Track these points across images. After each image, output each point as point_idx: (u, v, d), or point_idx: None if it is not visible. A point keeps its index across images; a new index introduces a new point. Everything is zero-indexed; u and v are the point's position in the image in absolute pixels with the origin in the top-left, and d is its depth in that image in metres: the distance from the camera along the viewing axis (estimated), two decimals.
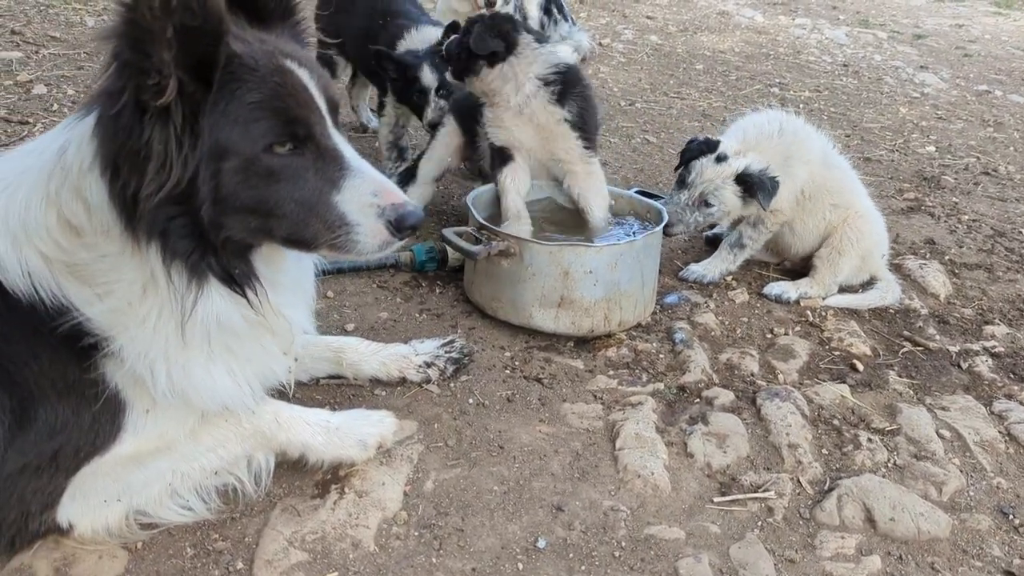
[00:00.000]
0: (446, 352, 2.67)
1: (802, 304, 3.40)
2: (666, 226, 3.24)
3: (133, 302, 1.73)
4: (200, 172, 1.58)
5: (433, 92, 3.77)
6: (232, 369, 1.91)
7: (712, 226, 3.90)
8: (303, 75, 1.70)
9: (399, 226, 1.79)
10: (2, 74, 5.05)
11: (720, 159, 3.28)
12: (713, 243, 3.77)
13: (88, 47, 5.77)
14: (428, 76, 3.74)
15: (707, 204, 3.31)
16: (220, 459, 1.98)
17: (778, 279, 3.58)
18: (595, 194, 3.25)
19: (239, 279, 1.75)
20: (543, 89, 3.11)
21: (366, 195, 1.77)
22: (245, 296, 1.78)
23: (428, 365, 2.62)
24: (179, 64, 1.48)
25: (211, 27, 1.50)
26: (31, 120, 4.37)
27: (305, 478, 2.16)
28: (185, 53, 1.48)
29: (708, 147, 3.30)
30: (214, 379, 1.87)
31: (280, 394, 2.21)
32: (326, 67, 4.40)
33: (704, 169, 3.29)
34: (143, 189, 1.54)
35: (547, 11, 7.07)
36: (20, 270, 1.68)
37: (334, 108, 1.78)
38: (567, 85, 3.13)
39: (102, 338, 1.74)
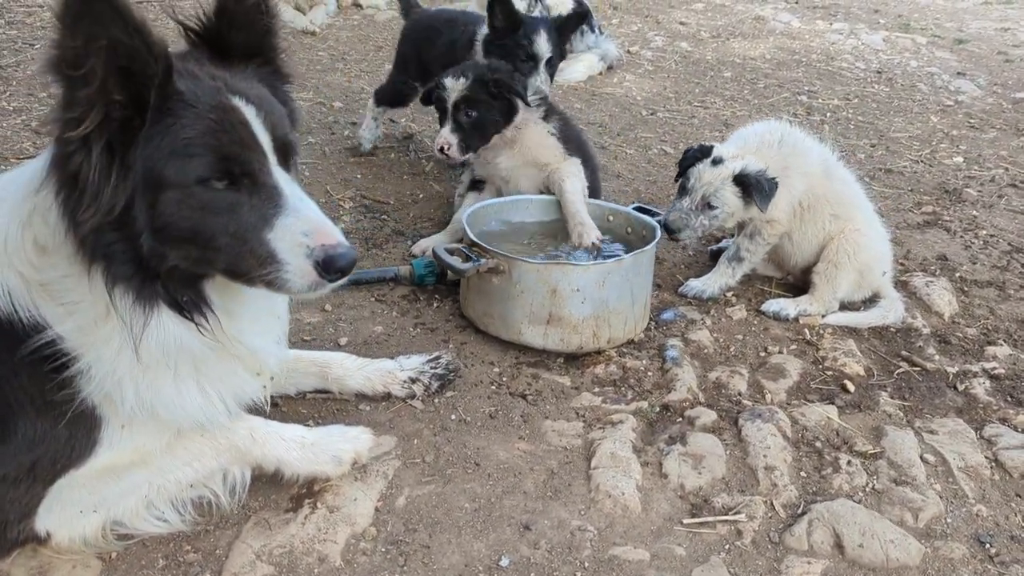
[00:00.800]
0: (431, 368, 2.72)
1: (801, 321, 3.39)
2: (672, 232, 3.36)
3: (98, 320, 1.82)
4: (135, 202, 1.67)
5: (544, 63, 3.88)
6: (203, 386, 1.99)
7: (719, 239, 3.91)
8: (248, 112, 1.77)
9: (327, 267, 1.80)
10: (38, 85, 5.25)
11: (716, 162, 3.31)
12: (717, 257, 3.77)
13: None
14: (543, 44, 3.84)
15: (710, 207, 3.33)
16: (195, 472, 2.06)
17: (780, 295, 3.58)
18: (571, 176, 3.53)
19: (186, 307, 1.83)
20: (532, 112, 3.56)
21: (296, 234, 1.79)
22: (195, 323, 1.85)
23: (413, 381, 2.68)
24: (104, 99, 1.56)
25: (143, 67, 1.59)
26: None
27: (281, 492, 2.24)
28: (113, 89, 1.57)
29: (703, 152, 3.35)
30: (184, 396, 1.95)
31: (264, 409, 2.29)
32: (401, 95, 4.55)
33: (702, 173, 3.31)
34: (79, 215, 1.64)
35: None
36: (0, 290, 1.78)
37: (282, 146, 1.84)
38: (549, 107, 3.67)
39: (73, 356, 1.82)
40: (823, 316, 3.42)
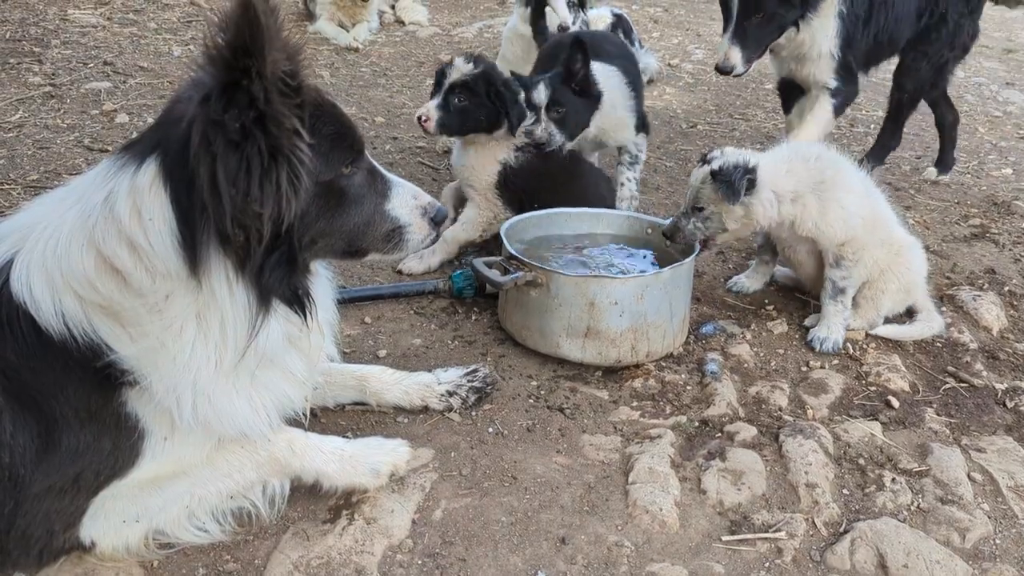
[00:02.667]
0: (469, 381, 2.73)
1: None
2: (666, 237, 3.32)
3: (167, 342, 1.86)
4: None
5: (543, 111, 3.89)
6: (251, 397, 2.03)
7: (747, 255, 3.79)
8: (337, 103, 1.96)
9: (437, 219, 2.17)
10: (91, 103, 5.42)
11: (704, 161, 3.21)
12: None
13: (172, 76, 6.11)
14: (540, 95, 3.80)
15: (698, 208, 3.22)
16: (235, 484, 2.09)
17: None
18: (465, 222, 3.80)
19: (303, 298, 1.96)
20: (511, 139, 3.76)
21: (409, 199, 2.13)
22: (305, 314, 1.98)
23: (450, 394, 2.69)
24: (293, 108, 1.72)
25: (299, 68, 1.74)
26: (110, 148, 4.66)
27: (319, 503, 2.26)
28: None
29: (703, 158, 3.27)
30: (236, 409, 2.00)
31: (303, 421, 2.32)
32: None
33: (695, 175, 3.25)
34: (256, 233, 1.73)
35: None
36: (54, 310, 1.81)
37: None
38: (541, 149, 3.76)
39: (129, 373, 1.87)
40: (867, 331, 3.36)
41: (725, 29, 4.13)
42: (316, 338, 2.11)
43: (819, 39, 4.20)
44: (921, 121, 6.78)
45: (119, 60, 6.35)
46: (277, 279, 1.86)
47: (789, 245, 3.40)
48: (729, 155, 3.17)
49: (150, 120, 5.19)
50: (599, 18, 7.09)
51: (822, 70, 4.30)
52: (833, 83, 4.36)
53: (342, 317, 3.04)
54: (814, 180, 3.18)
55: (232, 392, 1.97)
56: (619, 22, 7.28)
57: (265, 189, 1.69)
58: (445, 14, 9.70)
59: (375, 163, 2.11)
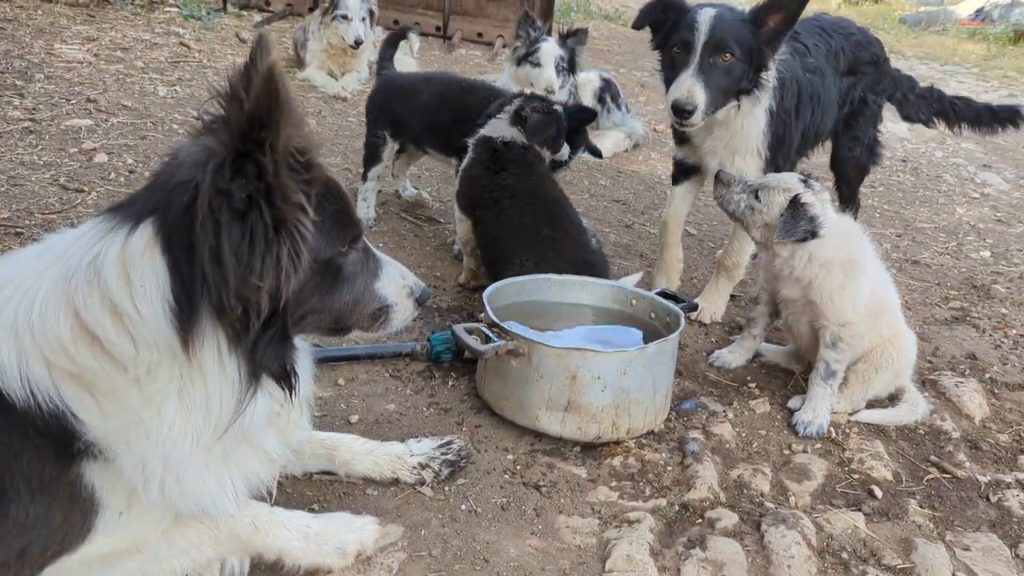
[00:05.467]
0: (442, 454, 2.64)
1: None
2: (720, 179, 3.42)
3: (144, 417, 1.76)
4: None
5: None
6: (221, 475, 1.92)
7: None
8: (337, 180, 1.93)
9: (421, 300, 2.17)
10: (70, 140, 5.31)
11: (805, 181, 3.25)
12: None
13: (155, 116, 6.04)
14: None
15: (756, 197, 3.27)
16: (192, 562, 1.97)
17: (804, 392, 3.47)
18: None
19: (291, 374, 1.89)
20: None
21: (398, 278, 2.13)
22: (292, 391, 1.91)
23: (423, 467, 2.59)
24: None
25: (311, 145, 1.73)
26: (86, 188, 4.57)
27: None
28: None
29: (805, 177, 3.30)
30: (204, 486, 1.89)
31: (269, 494, 2.21)
32: (374, 148, 4.69)
33: (787, 180, 3.27)
34: (254, 307, 1.67)
35: (601, 100, 7.19)
36: (19, 375, 1.69)
37: None
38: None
39: (94, 446, 1.76)
40: (850, 414, 3.31)
41: (683, 69, 3.50)
42: (295, 414, 2.02)
43: (750, 131, 3.75)
44: (902, 198, 6.86)
45: (103, 97, 6.26)
46: (271, 355, 1.79)
47: (793, 312, 3.38)
48: (817, 201, 3.20)
49: (129, 160, 5.11)
50: (587, 81, 7.16)
51: (749, 167, 3.78)
52: None
53: (315, 378, 2.95)
54: (847, 256, 3.19)
55: (203, 470, 1.86)
56: (607, 86, 7.35)
57: (266, 262, 1.63)
58: (435, 68, 9.75)
59: (368, 243, 2.09)
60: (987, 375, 3.82)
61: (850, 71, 4.36)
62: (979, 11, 20.00)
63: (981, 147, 9.04)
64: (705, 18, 3.46)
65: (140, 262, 1.66)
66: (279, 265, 1.65)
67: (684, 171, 4.15)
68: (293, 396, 1.91)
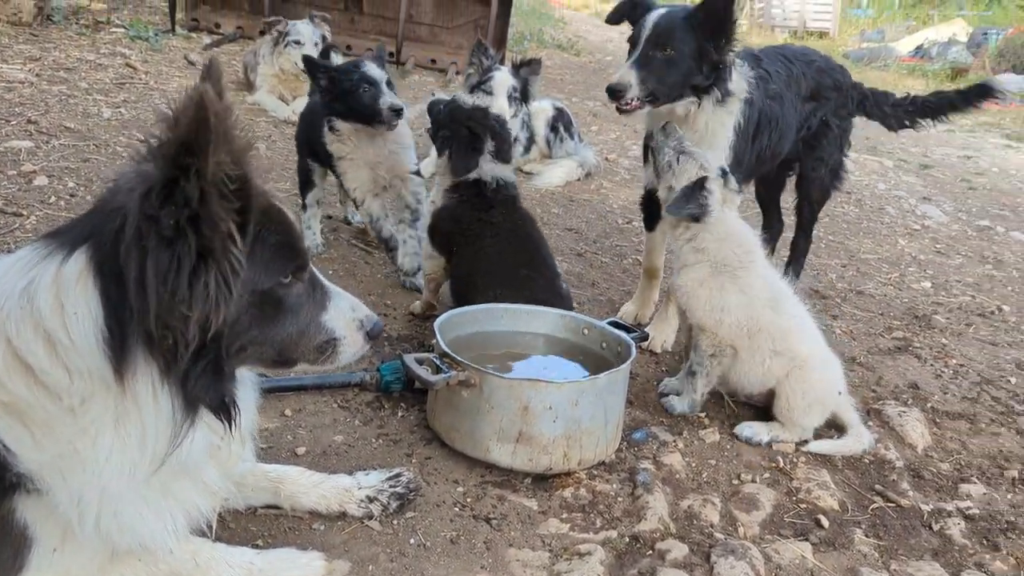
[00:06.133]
0: (391, 487, 2.59)
1: (774, 447, 3.31)
2: (662, 132, 3.52)
3: (79, 448, 1.70)
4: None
5: None
6: (159, 509, 1.88)
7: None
8: (286, 210, 1.89)
9: (372, 334, 2.09)
10: (8, 163, 5.17)
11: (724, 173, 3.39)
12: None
13: (99, 139, 5.92)
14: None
15: (679, 161, 3.40)
16: None
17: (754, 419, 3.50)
18: None
19: (230, 407, 1.83)
20: None
21: (347, 311, 2.06)
22: (231, 424, 1.85)
23: (371, 500, 2.54)
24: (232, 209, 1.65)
25: (247, 172, 1.67)
26: (25, 212, 4.45)
27: None
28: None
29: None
30: (142, 521, 1.84)
31: (210, 528, 2.14)
32: (305, 174, 4.65)
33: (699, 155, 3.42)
34: (182, 337, 1.61)
35: (554, 128, 7.25)
36: None
37: None
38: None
39: (27, 479, 1.70)
40: (796, 443, 3.34)
41: (627, 60, 3.76)
42: (236, 447, 1.97)
43: (715, 137, 3.85)
44: (846, 229, 7.02)
45: (44, 119, 6.12)
46: (203, 387, 1.74)
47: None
48: (720, 193, 3.32)
49: (70, 183, 5.00)
50: (540, 110, 7.23)
51: None
52: None
53: (261, 408, 2.89)
54: (722, 259, 3.29)
55: (141, 504, 1.81)
56: (560, 115, 7.42)
57: (195, 291, 1.59)
58: None
59: (317, 273, 2.04)
60: (929, 404, 3.90)
61: (812, 96, 4.51)
62: (919, 48, 20.69)
63: (921, 180, 9.32)
64: (652, 16, 3.74)
65: (74, 290, 1.63)
66: (207, 294, 1.61)
67: (656, 210, 4.16)
68: (233, 428, 1.87)
